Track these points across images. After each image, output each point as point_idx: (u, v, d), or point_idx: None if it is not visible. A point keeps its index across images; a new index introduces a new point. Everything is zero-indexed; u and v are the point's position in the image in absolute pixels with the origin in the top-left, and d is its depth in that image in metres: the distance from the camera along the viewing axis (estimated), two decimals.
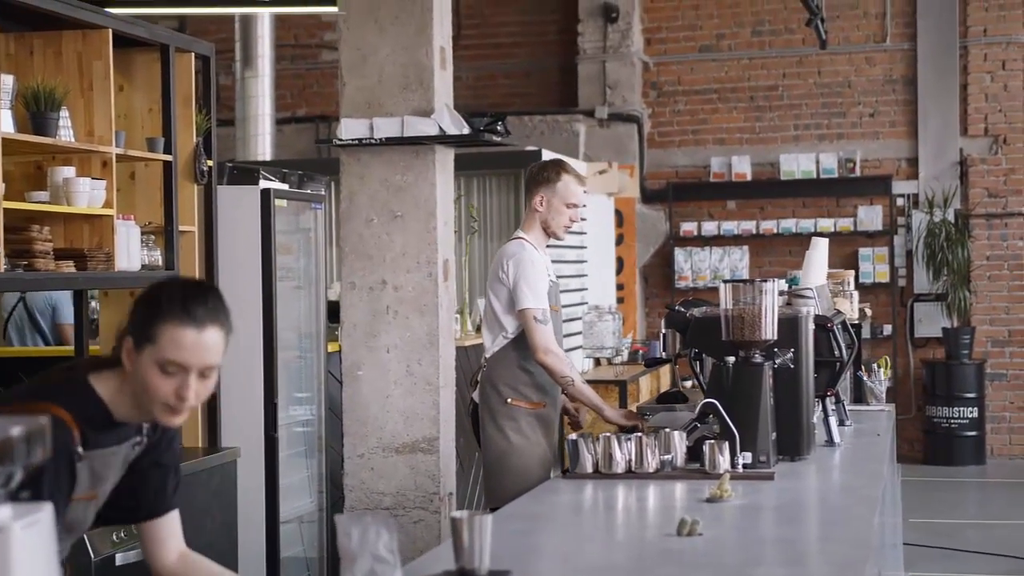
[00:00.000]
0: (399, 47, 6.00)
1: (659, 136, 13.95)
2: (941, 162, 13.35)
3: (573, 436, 4.56)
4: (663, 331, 5.42)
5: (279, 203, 6.77)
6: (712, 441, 4.43)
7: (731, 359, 4.61)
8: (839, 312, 5.78)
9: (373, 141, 5.95)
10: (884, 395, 6.77)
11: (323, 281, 7.44)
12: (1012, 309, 13.32)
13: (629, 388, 9.21)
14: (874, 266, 13.32)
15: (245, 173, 7.13)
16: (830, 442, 5.22)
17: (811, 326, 4.91)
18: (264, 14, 11.29)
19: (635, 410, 5.91)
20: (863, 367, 6.78)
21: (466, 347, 8.03)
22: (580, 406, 5.79)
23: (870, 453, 5.17)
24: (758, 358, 4.62)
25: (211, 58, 6.43)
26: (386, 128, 5.94)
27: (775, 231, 13.49)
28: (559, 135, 13.27)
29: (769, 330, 4.60)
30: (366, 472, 6.05)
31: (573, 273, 10.66)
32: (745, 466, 4.47)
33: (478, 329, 8.62)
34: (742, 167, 13.63)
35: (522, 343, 5.57)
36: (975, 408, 12.96)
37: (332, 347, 7.27)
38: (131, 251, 5.64)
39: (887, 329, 13.28)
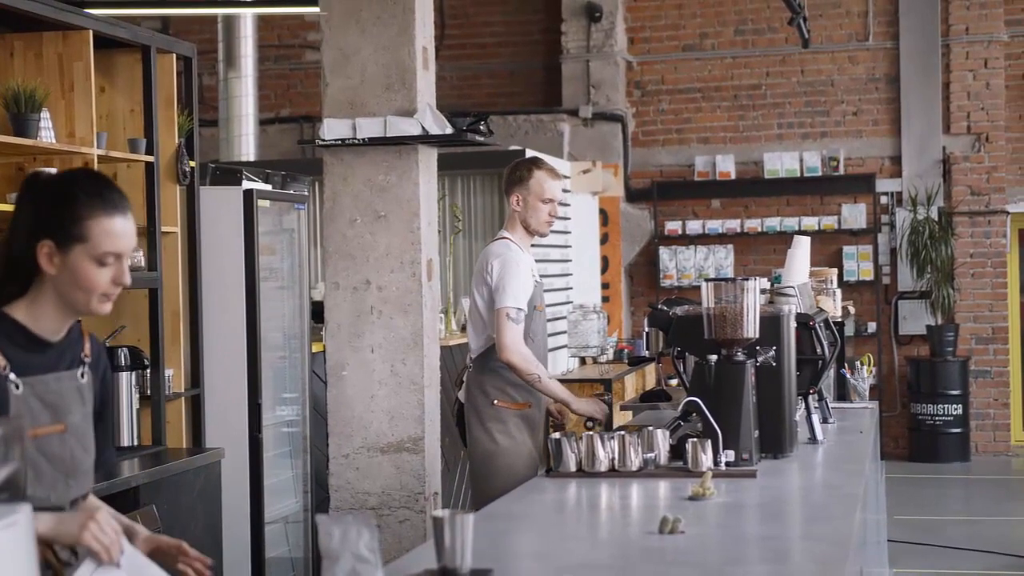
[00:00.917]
0: (381, 47, 5.99)
1: (643, 135, 13.97)
2: (924, 160, 13.39)
3: (556, 435, 4.57)
4: (646, 330, 5.44)
5: (262, 204, 6.77)
6: (695, 439, 4.44)
7: (713, 357, 4.62)
8: (821, 310, 5.79)
9: (356, 141, 5.94)
10: (867, 392, 6.79)
11: (307, 281, 7.44)
12: (995, 306, 13.36)
13: (614, 387, 9.22)
14: (858, 264, 13.35)
15: (228, 174, 7.13)
16: (813, 440, 5.23)
17: (793, 324, 4.92)
18: (247, 14, 11.28)
19: (606, 401, 5.95)
20: (846, 365, 6.80)
21: (450, 347, 8.04)
22: (562, 408, 5.81)
23: (853, 451, 5.18)
24: (740, 356, 4.63)
25: (193, 59, 6.43)
26: (369, 128, 5.93)
27: (759, 230, 13.51)
28: (543, 135, 13.28)
29: (751, 328, 4.61)
30: (351, 472, 6.04)
31: (558, 272, 10.68)
32: (728, 464, 4.47)
33: (463, 329, 8.63)
34: (726, 166, 13.64)
35: None
36: (959, 405, 12.99)
37: (316, 347, 7.26)
38: None
39: (871, 327, 13.31)
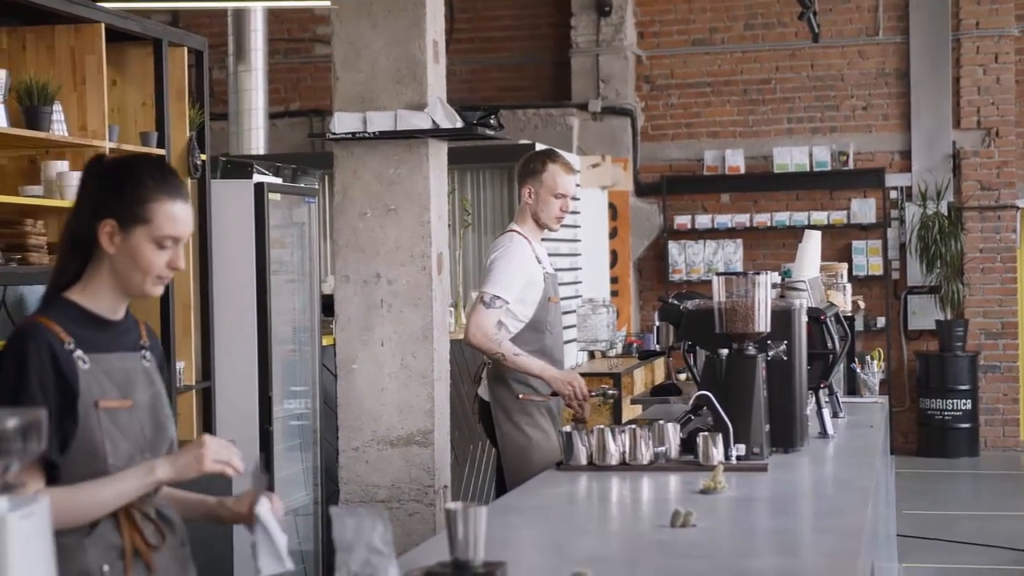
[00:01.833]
0: (392, 41, 5.99)
1: (652, 129, 13.96)
2: (934, 155, 13.37)
3: (567, 428, 4.57)
4: (657, 324, 5.43)
5: (273, 197, 6.78)
6: (706, 433, 4.44)
7: (724, 351, 4.61)
8: (832, 305, 5.79)
9: (366, 135, 5.94)
10: (877, 387, 6.79)
11: (317, 275, 7.44)
12: (1005, 301, 13.34)
13: (624, 381, 9.23)
14: (867, 259, 13.34)
15: (238, 167, 7.14)
16: (823, 434, 5.23)
17: (804, 318, 4.92)
18: (257, 8, 11.27)
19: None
20: (856, 359, 6.79)
21: (459, 340, 8.04)
22: (583, 402, 5.77)
23: (863, 445, 5.17)
24: (751, 350, 4.62)
25: (204, 52, 6.43)
26: (379, 122, 5.93)
27: (769, 224, 13.50)
28: (552, 129, 13.28)
29: (762, 322, 4.60)
30: (361, 465, 6.04)
31: (567, 266, 10.67)
32: (739, 458, 4.47)
33: None
34: (735, 160, 13.63)
35: (527, 336, 5.58)
36: (968, 400, 12.98)
37: (326, 341, 7.27)
38: None
39: (881, 321, 13.30)
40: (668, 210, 13.75)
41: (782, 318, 4.75)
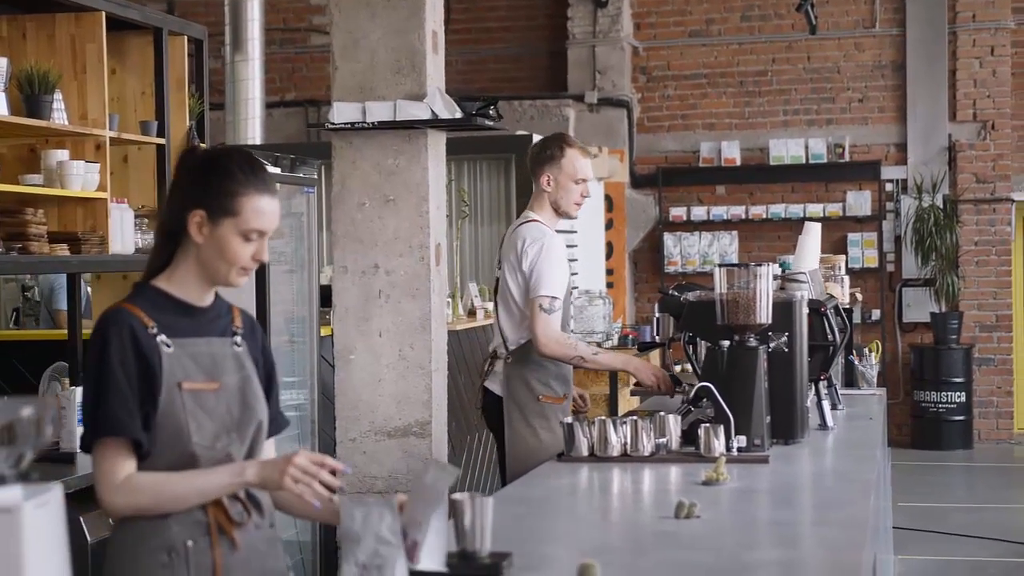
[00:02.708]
0: (391, 31, 5.97)
1: (648, 121, 13.95)
2: (930, 147, 13.38)
3: (568, 419, 4.57)
4: (657, 315, 5.41)
5: None
6: (707, 425, 4.44)
7: (726, 343, 4.62)
8: (832, 296, 5.79)
9: (365, 125, 5.92)
10: (875, 379, 6.80)
11: (315, 265, 7.43)
12: (999, 294, 13.36)
13: (620, 372, 9.21)
14: (863, 251, 13.35)
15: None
16: (823, 426, 5.24)
17: (805, 310, 4.92)
18: None
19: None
20: (854, 351, 6.80)
21: (457, 331, 8.04)
22: (583, 392, 5.71)
23: (863, 437, 5.19)
24: (753, 342, 4.63)
25: (204, 41, 6.42)
26: (378, 112, 5.91)
27: (764, 216, 13.50)
28: (548, 120, 13.27)
29: (764, 314, 4.61)
30: (358, 456, 6.04)
31: None
32: (740, 449, 4.47)
33: (470, 313, 8.63)
34: (731, 152, 13.64)
35: None
36: (963, 393, 13.01)
37: (324, 331, 7.26)
38: (125, 234, 5.63)
39: (876, 314, 13.31)
40: (664, 202, 13.76)
41: (783, 310, 4.76)
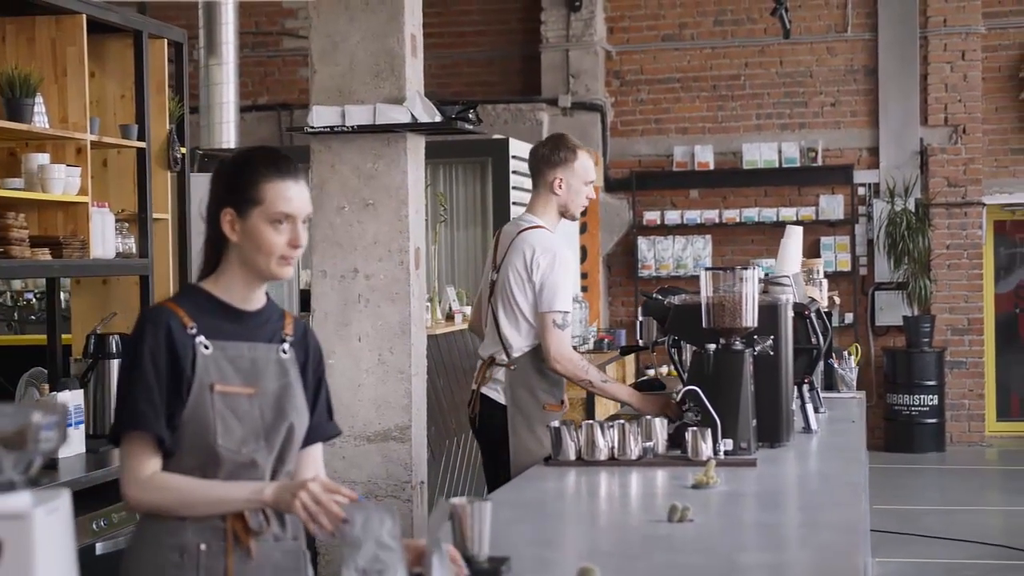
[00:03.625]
0: (370, 34, 5.97)
1: (622, 125, 13.97)
2: (902, 151, 13.44)
3: (556, 423, 4.56)
4: (640, 319, 5.39)
5: None
6: (695, 428, 4.44)
7: (712, 346, 4.62)
8: (813, 300, 5.81)
9: (345, 129, 5.90)
10: (855, 382, 6.82)
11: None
12: (971, 298, 13.43)
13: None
14: (836, 255, 13.40)
15: (215, 160, 7.09)
16: (807, 429, 5.25)
17: (790, 313, 4.93)
18: (228, 1, 11.21)
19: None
20: (833, 354, 6.82)
21: (436, 335, 8.02)
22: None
23: (847, 440, 5.20)
24: (739, 345, 4.64)
25: (184, 44, 6.39)
26: (358, 116, 5.90)
27: (738, 220, 13.54)
28: (522, 124, 13.27)
29: (750, 317, 4.62)
30: (338, 461, 6.03)
31: None
32: (727, 453, 4.48)
33: (448, 318, 8.61)
34: (705, 156, 13.67)
35: None
36: (935, 396, 13.07)
37: None
38: (106, 239, 5.60)
39: (848, 317, 13.36)
40: (637, 206, 13.77)
41: (769, 313, 4.76)
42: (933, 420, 13.09)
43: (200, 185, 6.58)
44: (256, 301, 3.09)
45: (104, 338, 5.64)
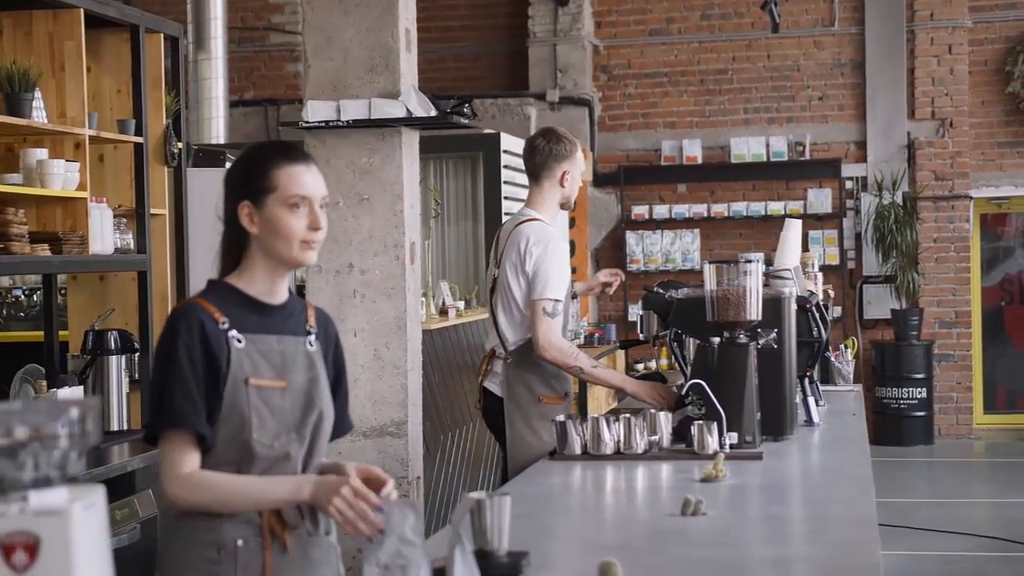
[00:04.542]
0: (364, 29, 5.95)
1: (610, 119, 13.96)
2: (889, 145, 13.46)
3: (561, 417, 4.55)
4: (640, 313, 5.38)
5: None
6: (700, 422, 4.44)
7: (716, 340, 4.61)
8: (812, 293, 5.81)
9: (340, 123, 5.88)
10: (851, 375, 6.83)
11: None
12: (959, 291, 13.46)
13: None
14: (824, 248, 13.41)
15: (210, 156, 7.08)
16: (809, 422, 5.25)
17: (794, 306, 4.93)
18: None
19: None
20: (830, 347, 6.82)
21: (431, 331, 8.00)
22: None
23: (849, 433, 5.21)
24: (743, 338, 4.63)
25: (180, 39, 6.36)
26: (353, 110, 5.88)
27: (726, 214, 13.54)
28: (510, 119, 13.25)
29: (754, 310, 4.61)
30: (334, 457, 5.97)
31: None
32: (732, 446, 4.48)
33: (443, 312, 8.59)
34: (693, 150, 13.67)
35: None
36: (923, 388, 13.09)
37: None
38: (104, 234, 5.57)
39: (836, 311, 13.37)
40: (626, 200, 13.77)
41: (772, 306, 4.76)
42: (922, 413, 13.12)
43: (197, 180, 6.57)
44: (280, 294, 3.08)
45: (102, 334, 5.62)
